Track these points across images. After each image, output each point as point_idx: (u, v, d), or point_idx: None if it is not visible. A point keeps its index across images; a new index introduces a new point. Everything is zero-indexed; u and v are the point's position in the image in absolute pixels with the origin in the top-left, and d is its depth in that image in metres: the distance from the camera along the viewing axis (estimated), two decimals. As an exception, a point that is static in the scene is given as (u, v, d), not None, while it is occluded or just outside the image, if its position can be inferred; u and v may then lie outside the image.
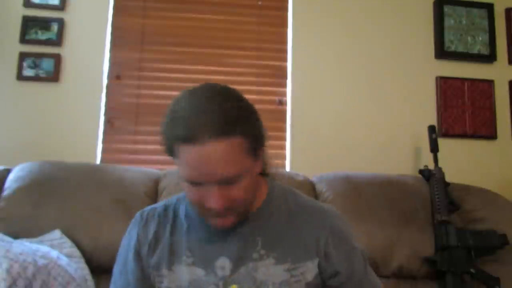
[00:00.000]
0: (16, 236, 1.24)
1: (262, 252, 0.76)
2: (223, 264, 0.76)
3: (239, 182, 0.67)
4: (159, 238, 0.80)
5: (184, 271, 0.76)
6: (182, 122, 0.64)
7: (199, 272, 0.75)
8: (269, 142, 0.78)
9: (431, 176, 1.57)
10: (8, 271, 0.96)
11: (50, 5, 1.83)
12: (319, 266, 0.77)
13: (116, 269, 0.83)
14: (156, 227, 0.81)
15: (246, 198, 0.71)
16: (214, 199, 0.66)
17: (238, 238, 0.77)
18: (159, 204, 0.86)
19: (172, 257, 0.78)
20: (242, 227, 0.77)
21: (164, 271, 0.77)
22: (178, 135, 0.64)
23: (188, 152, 0.64)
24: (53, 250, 1.17)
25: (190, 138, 0.63)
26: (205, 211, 0.71)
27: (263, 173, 0.83)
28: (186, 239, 0.78)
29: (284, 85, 1.94)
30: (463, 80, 1.97)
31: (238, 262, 0.75)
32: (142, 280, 0.80)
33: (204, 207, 0.69)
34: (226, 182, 0.66)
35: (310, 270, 0.76)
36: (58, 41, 1.81)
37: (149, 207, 0.86)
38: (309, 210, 0.81)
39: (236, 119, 0.65)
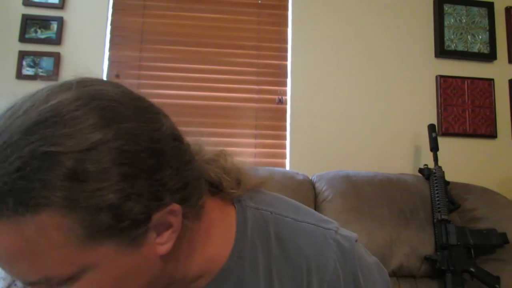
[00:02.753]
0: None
1: None
2: None
3: (75, 283, 0.38)
4: None
5: None
6: None
7: None
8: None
9: (431, 175, 1.56)
10: (8, 270, 0.95)
11: (50, 3, 1.82)
12: None
13: None
14: None
15: None
16: None
17: None
18: None
19: None
20: None
21: None
22: None
23: None
24: (52, 249, 1.16)
25: None
26: None
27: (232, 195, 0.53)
28: None
29: (284, 84, 1.94)
30: (463, 78, 1.97)
31: None
32: None
33: None
34: (42, 284, 0.38)
35: None
36: (57, 40, 1.80)
37: None
38: (303, 252, 0.51)
39: (47, 176, 0.34)
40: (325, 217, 0.57)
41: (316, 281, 0.50)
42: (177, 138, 0.43)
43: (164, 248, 0.41)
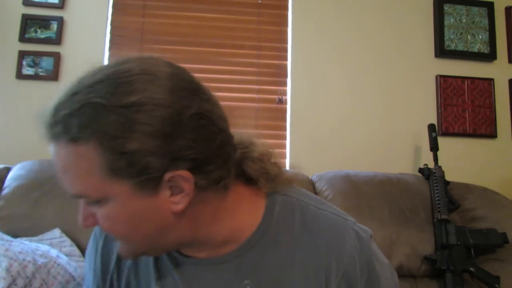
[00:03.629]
0: (15, 234, 1.23)
1: None
2: None
3: (101, 206, 0.49)
4: (121, 268, 0.62)
5: None
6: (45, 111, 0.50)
7: None
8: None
9: (431, 175, 1.57)
10: (8, 270, 0.96)
11: (50, 3, 1.83)
12: None
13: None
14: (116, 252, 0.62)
15: (114, 231, 0.51)
16: (79, 213, 0.52)
17: (219, 280, 0.57)
18: None
19: None
20: (225, 264, 0.57)
21: None
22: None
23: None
24: (52, 248, 1.16)
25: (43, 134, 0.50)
26: None
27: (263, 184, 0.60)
28: (154, 272, 0.59)
29: (284, 84, 1.94)
30: (463, 78, 1.97)
31: None
32: None
33: None
34: (81, 198, 0.51)
35: None
36: (57, 39, 1.80)
37: None
38: (324, 235, 0.58)
39: (90, 119, 0.45)
40: (344, 212, 0.64)
41: (335, 263, 0.56)
42: (204, 118, 0.50)
43: (176, 207, 0.49)
